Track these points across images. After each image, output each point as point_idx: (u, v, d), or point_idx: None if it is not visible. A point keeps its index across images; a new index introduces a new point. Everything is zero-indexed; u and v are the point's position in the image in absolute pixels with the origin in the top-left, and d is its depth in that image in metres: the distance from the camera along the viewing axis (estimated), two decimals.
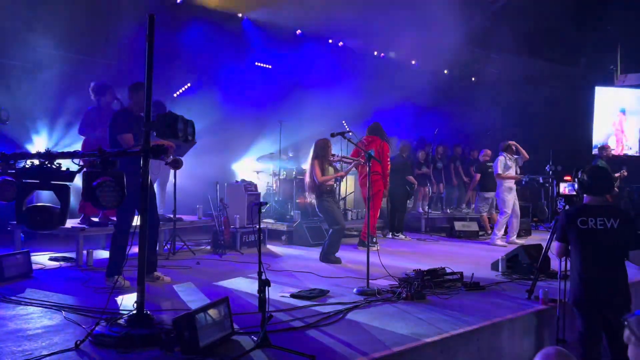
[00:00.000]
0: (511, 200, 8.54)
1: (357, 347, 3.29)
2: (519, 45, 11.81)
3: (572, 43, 12.01)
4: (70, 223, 5.93)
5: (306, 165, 9.49)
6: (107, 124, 5.07)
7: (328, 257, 6.51)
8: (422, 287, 4.72)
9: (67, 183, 3.37)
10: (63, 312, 3.86)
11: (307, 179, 6.71)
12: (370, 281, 4.90)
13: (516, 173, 8.73)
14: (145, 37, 3.38)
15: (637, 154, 13.89)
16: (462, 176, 11.87)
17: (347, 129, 9.87)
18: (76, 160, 3.44)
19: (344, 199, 9.95)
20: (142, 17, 3.45)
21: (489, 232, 9.67)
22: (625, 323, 0.64)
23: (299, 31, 11.10)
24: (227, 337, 3.30)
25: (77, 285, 4.85)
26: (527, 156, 8.74)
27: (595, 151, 11.74)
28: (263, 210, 7.80)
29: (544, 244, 5.03)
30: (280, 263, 6.47)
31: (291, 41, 10.88)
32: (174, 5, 9.18)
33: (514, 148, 8.72)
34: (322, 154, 6.62)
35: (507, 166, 8.58)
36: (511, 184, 8.58)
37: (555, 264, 4.86)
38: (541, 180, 11.96)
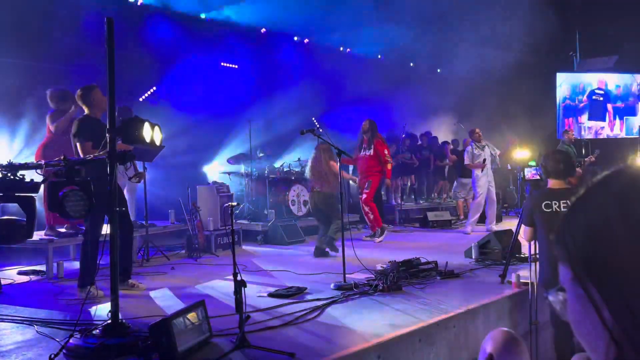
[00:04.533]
0: (482, 186, 8.70)
1: (336, 342, 3.31)
2: (481, 35, 12.02)
3: (532, 31, 12.27)
4: (38, 235, 5.79)
5: (278, 164, 9.57)
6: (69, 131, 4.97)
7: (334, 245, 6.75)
8: (398, 278, 4.77)
9: (32, 194, 3.29)
10: (35, 326, 3.76)
11: (327, 178, 6.77)
12: (347, 275, 4.94)
13: (484, 160, 8.81)
14: (105, 41, 3.32)
15: (607, 137, 14.33)
16: (427, 166, 12.03)
17: (317, 126, 9.90)
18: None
19: None
20: (98, 19, 3.39)
21: (462, 217, 9.85)
22: (549, 300, 0.67)
23: (263, 30, 11.06)
24: (205, 340, 3.28)
25: (49, 298, 4.73)
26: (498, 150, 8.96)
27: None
28: (236, 212, 7.78)
29: (515, 229, 5.14)
30: (257, 263, 6.45)
31: (256, 40, 10.83)
32: (135, 7, 9.03)
33: (478, 135, 8.86)
34: (331, 156, 6.81)
35: (475, 155, 8.74)
36: (481, 170, 8.73)
37: (526, 248, 4.97)
38: (509, 167, 12.22)
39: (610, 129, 14.53)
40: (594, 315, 0.59)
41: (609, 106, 14.50)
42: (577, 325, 0.64)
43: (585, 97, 14.40)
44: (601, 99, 14.44)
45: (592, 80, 14.49)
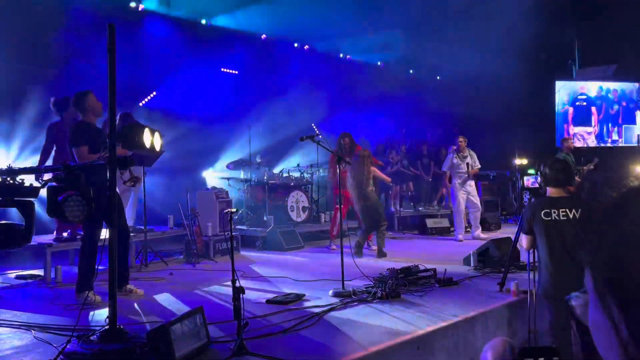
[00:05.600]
0: (459, 196, 8.71)
1: (334, 349, 3.31)
2: (481, 43, 12.07)
3: (531, 39, 12.35)
4: (37, 239, 5.79)
5: (277, 170, 9.58)
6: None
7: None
8: (397, 285, 4.77)
9: (32, 199, 3.28)
10: (33, 331, 3.76)
11: (360, 184, 7.09)
12: (345, 282, 4.93)
13: (467, 169, 8.71)
14: (107, 47, 3.33)
15: (601, 145, 14.36)
16: (435, 171, 12.01)
17: (317, 132, 9.90)
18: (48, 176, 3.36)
19: (317, 201, 9.98)
20: (100, 24, 3.40)
21: None
22: (571, 304, 0.67)
23: (264, 36, 11.09)
24: (203, 347, 3.27)
25: (47, 303, 4.72)
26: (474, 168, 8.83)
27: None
28: (235, 217, 7.76)
29: (513, 237, 5.14)
30: (255, 269, 6.44)
31: (257, 46, 10.86)
32: (136, 12, 9.06)
33: (461, 145, 8.81)
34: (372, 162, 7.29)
35: (454, 164, 8.74)
36: (460, 180, 8.72)
37: (524, 256, 4.97)
38: (508, 174, 12.23)
39: (607, 135, 14.55)
40: (611, 329, 0.60)
41: (593, 109, 14.53)
42: (595, 331, 0.64)
43: (570, 105, 14.46)
44: (584, 104, 14.49)
45: (589, 86, 14.55)
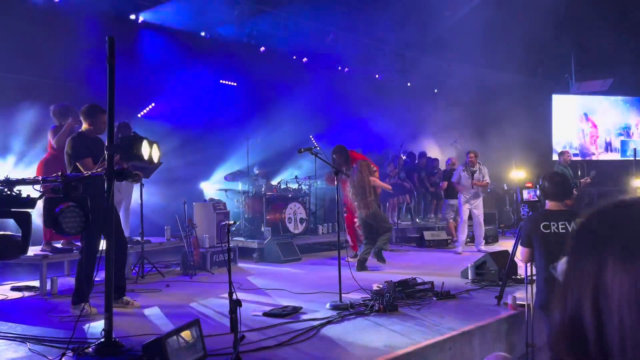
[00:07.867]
0: (463, 209, 8.75)
1: None
2: (478, 57, 12.16)
3: (528, 53, 12.45)
4: (32, 250, 5.75)
5: (275, 182, 9.57)
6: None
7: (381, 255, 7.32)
8: (394, 298, 4.75)
9: (28, 210, 3.28)
10: (28, 343, 3.72)
11: (370, 193, 7.07)
12: (342, 295, 4.91)
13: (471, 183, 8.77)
14: (106, 59, 3.35)
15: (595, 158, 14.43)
16: (428, 186, 12.02)
17: (315, 145, 9.93)
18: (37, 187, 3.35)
19: (315, 213, 9.97)
20: (99, 36, 3.42)
21: (455, 238, 9.84)
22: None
23: (262, 48, 11.16)
24: None
25: (42, 315, 4.69)
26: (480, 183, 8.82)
27: (556, 157, 12.09)
28: (233, 229, 7.75)
29: (511, 250, 5.14)
30: (252, 281, 6.41)
31: (255, 58, 10.92)
32: (135, 24, 9.11)
33: (470, 159, 8.84)
34: (371, 172, 7.25)
35: (462, 177, 8.76)
36: (465, 193, 8.76)
37: (522, 269, 4.97)
38: (505, 187, 12.25)
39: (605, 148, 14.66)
40: None
41: (591, 122, 14.68)
42: None
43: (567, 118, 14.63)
44: (583, 117, 14.65)
45: (587, 100, 14.69)
